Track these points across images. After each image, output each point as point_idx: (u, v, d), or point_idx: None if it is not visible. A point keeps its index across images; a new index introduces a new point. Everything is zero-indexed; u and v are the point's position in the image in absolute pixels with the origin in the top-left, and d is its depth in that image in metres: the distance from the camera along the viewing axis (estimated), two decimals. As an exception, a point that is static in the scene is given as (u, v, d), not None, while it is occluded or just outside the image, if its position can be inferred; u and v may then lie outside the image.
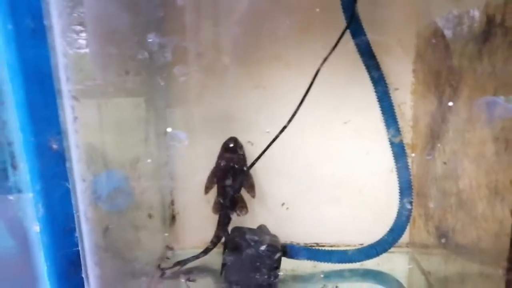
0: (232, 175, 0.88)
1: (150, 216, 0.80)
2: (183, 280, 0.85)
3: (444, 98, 0.73)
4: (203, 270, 0.91)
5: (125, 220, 0.72)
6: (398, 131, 0.84)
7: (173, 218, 1.00)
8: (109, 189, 0.66)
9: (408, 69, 0.90)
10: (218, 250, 0.91)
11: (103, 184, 0.62)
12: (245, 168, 0.89)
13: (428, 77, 0.82)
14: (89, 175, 0.54)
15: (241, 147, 0.89)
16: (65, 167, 0.54)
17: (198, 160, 0.96)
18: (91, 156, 0.56)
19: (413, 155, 0.90)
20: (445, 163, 0.69)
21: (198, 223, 0.99)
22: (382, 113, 0.84)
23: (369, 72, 0.82)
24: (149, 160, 0.82)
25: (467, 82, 0.63)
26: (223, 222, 0.90)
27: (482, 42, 0.58)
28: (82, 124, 0.52)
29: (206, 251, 0.91)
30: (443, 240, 0.75)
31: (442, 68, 0.74)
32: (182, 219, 1.00)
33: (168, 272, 0.88)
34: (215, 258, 0.89)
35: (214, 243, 0.91)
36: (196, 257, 0.90)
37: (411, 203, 0.84)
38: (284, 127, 0.85)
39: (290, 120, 0.85)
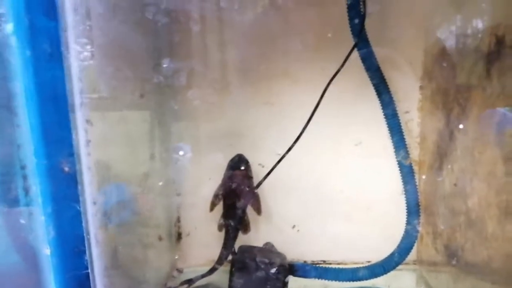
0: (238, 193, 0.88)
1: (160, 238, 0.79)
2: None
3: (452, 116, 0.73)
4: (211, 288, 0.91)
5: (134, 239, 0.72)
6: (407, 153, 0.84)
7: (179, 235, 1.00)
8: (115, 202, 0.65)
9: (415, 86, 0.91)
10: (225, 268, 0.90)
11: (110, 198, 0.62)
12: (251, 186, 0.88)
13: (435, 94, 0.82)
14: (100, 198, 0.54)
15: (247, 164, 0.89)
16: (76, 189, 0.55)
17: (205, 177, 0.96)
18: (102, 178, 0.56)
19: (423, 177, 0.89)
20: (455, 185, 0.69)
21: (204, 240, 0.98)
22: (391, 134, 0.85)
23: (378, 94, 0.83)
24: (160, 183, 0.82)
25: (476, 101, 0.64)
26: (229, 239, 0.90)
27: (491, 62, 0.59)
28: (94, 147, 0.52)
29: (213, 269, 0.90)
30: (452, 259, 0.74)
31: (450, 86, 0.74)
32: (188, 236, 1.00)
33: (175, 291, 0.88)
34: (222, 276, 0.89)
35: (220, 261, 0.90)
36: (203, 275, 0.89)
37: (418, 223, 0.84)
38: (291, 146, 0.85)
39: (297, 139, 0.85)
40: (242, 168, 0.88)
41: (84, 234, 0.53)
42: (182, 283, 0.88)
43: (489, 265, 0.60)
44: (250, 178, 0.88)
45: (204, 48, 0.91)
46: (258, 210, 0.90)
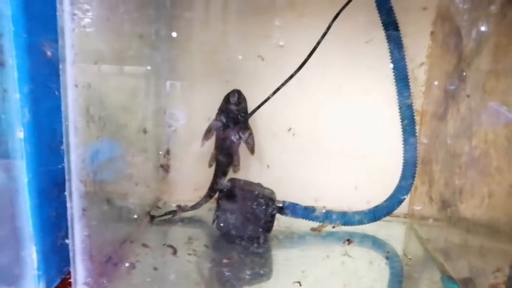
0: (232, 129, 0.84)
1: (144, 131, 0.75)
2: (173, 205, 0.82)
3: (465, 53, 0.69)
4: (194, 221, 0.88)
5: (117, 153, 0.68)
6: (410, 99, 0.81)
7: (168, 167, 0.96)
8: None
9: (426, 33, 0.86)
10: (210, 205, 0.87)
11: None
12: (247, 123, 0.84)
13: (448, 36, 0.78)
14: (83, 79, 0.50)
15: (244, 100, 0.84)
16: (58, 77, 0.50)
17: (198, 111, 0.92)
18: (87, 60, 0.52)
19: (424, 126, 0.86)
20: (468, 95, 0.65)
21: (192, 175, 0.95)
22: (396, 80, 0.81)
23: (387, 36, 0.79)
24: (148, 68, 0.77)
25: (495, 30, 0.60)
26: (219, 175, 0.86)
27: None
28: (80, 23, 0.47)
29: (199, 204, 0.87)
30: (447, 205, 0.72)
31: (465, 23, 0.70)
32: (176, 169, 0.97)
33: (157, 220, 0.85)
34: (208, 212, 0.86)
35: (208, 196, 0.87)
36: (188, 209, 0.87)
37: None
38: (286, 81, 0.80)
39: (292, 76, 0.80)
40: (238, 103, 0.83)
41: (63, 120, 0.49)
42: (167, 213, 0.86)
43: (489, 201, 0.57)
44: (245, 114, 0.84)
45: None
46: (251, 149, 0.86)
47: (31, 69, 0.49)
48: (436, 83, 0.83)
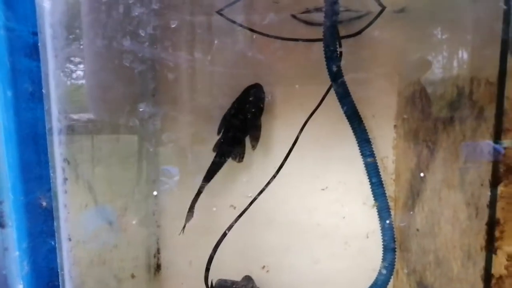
0: (243, 119, 0.88)
1: (132, 276, 0.80)
2: None
3: (422, 157, 0.76)
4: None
5: (109, 273, 0.72)
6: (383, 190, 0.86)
7: (158, 267, 1.00)
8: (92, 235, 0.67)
9: (390, 125, 0.94)
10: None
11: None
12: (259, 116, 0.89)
13: (408, 134, 0.86)
14: (75, 235, 0.55)
15: (263, 96, 0.89)
16: (52, 224, 0.56)
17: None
18: (78, 214, 0.57)
19: (398, 213, 0.92)
20: (425, 223, 0.71)
21: (184, 273, 0.99)
22: (367, 171, 0.87)
23: (354, 131, 0.86)
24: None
25: (442, 145, 0.67)
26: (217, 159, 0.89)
27: (454, 110, 0.62)
28: (71, 185, 0.54)
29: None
30: (424, 297, 0.76)
31: (419, 129, 0.77)
32: (167, 268, 1.00)
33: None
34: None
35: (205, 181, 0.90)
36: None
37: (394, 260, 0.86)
38: (274, 176, 0.87)
39: (277, 171, 0.87)
40: (257, 96, 0.88)
41: (59, 270, 0.54)
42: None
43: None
44: (260, 109, 0.88)
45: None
46: (254, 143, 0.90)
47: (28, 225, 0.55)
48: (402, 175, 0.90)
